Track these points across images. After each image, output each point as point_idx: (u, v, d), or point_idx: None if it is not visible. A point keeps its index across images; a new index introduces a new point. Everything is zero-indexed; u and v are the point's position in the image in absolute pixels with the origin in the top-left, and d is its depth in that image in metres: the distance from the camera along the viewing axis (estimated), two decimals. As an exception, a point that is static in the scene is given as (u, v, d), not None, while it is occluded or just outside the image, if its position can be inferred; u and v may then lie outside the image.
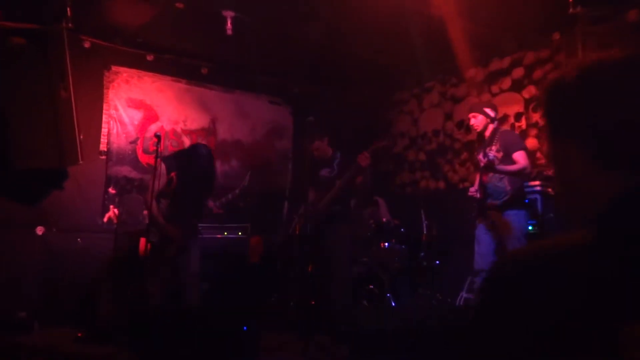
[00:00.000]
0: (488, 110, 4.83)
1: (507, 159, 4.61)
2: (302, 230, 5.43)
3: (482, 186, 4.71)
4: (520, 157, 4.59)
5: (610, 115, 0.82)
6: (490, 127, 4.84)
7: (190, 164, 4.86)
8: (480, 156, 4.63)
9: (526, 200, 5.00)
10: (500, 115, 6.38)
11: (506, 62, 6.49)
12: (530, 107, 6.16)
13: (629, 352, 0.64)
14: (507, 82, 6.47)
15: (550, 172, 5.65)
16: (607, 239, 0.73)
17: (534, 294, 0.72)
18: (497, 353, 0.72)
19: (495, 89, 6.61)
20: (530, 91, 6.20)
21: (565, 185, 0.91)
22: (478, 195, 4.76)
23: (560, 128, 0.90)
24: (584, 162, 0.85)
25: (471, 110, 4.98)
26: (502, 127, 5.09)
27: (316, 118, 5.01)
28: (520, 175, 4.63)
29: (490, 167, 4.53)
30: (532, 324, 0.70)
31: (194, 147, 5.17)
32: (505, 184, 4.62)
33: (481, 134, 4.86)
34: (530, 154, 6.08)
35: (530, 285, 0.73)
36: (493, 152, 4.64)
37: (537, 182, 5.43)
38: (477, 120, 4.82)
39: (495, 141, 4.71)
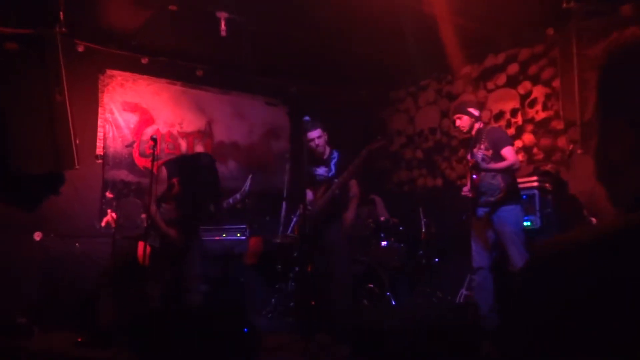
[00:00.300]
0: (472, 110, 4.83)
1: (497, 155, 4.62)
2: (301, 230, 5.41)
3: (474, 185, 4.72)
4: (508, 153, 4.61)
5: None
6: (476, 126, 4.83)
7: (192, 172, 4.87)
8: (468, 156, 4.66)
9: (524, 197, 5.01)
10: (495, 111, 6.41)
11: (501, 58, 6.50)
12: (526, 102, 6.17)
13: None
14: (502, 79, 6.48)
15: (547, 168, 5.66)
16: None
17: (578, 274, 0.70)
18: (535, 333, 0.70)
19: (490, 85, 6.62)
20: (525, 87, 6.21)
21: (607, 164, 0.88)
22: (470, 195, 4.77)
23: (612, 104, 0.86)
24: (632, 143, 0.82)
25: (455, 112, 4.95)
26: (488, 125, 5.08)
27: (313, 118, 4.99)
28: (509, 171, 4.64)
29: (477, 167, 4.57)
30: (573, 308, 0.68)
31: (197, 155, 5.18)
32: (499, 180, 4.63)
33: (468, 134, 4.86)
34: (527, 150, 6.10)
35: (578, 264, 0.71)
36: (482, 150, 4.65)
37: (534, 178, 5.44)
38: (462, 122, 4.82)
39: (483, 139, 4.72)
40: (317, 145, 5.12)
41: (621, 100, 0.83)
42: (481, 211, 4.72)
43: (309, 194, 5.19)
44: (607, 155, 0.86)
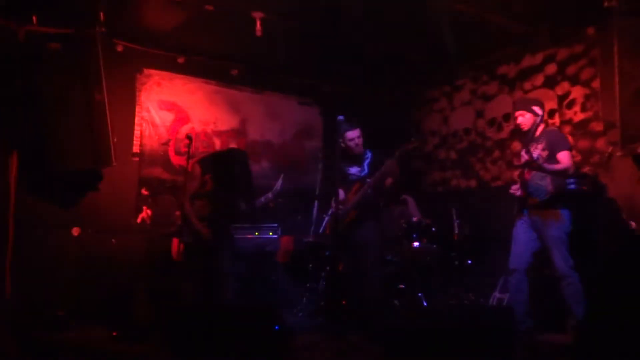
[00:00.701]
0: (536, 109, 4.72)
1: (552, 158, 4.52)
2: (333, 230, 5.41)
3: (524, 184, 4.62)
4: (564, 158, 4.49)
5: None
6: (540, 126, 4.72)
7: (225, 167, 4.90)
8: (523, 152, 4.53)
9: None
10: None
11: (539, 58, 6.38)
12: (564, 103, 6.05)
13: None
14: (539, 79, 6.36)
15: (585, 170, 5.53)
16: None
17: None
18: None
19: (527, 85, 6.51)
20: (563, 88, 6.08)
21: None
22: (519, 193, 4.68)
23: None
24: None
25: (517, 108, 4.80)
26: (548, 126, 4.96)
27: (347, 117, 4.98)
28: (563, 175, 4.53)
29: (532, 164, 4.44)
30: None
31: (230, 151, 5.22)
32: (547, 182, 4.51)
33: (528, 132, 4.72)
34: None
35: None
36: (539, 150, 4.55)
37: (571, 180, 5.31)
38: (525, 119, 4.68)
39: (541, 139, 4.61)
40: (357, 145, 5.13)
41: None
42: (527, 213, 4.64)
43: (341, 193, 5.19)
44: None
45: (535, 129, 4.69)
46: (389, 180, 5.03)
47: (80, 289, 5.54)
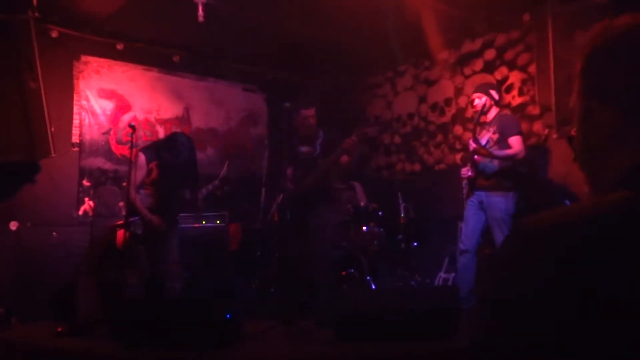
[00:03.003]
0: (493, 93, 4.91)
1: (503, 141, 4.70)
2: (281, 216, 5.43)
3: (474, 164, 4.79)
4: (515, 142, 4.69)
5: None
6: (495, 109, 4.92)
7: (170, 153, 4.82)
8: (471, 141, 4.70)
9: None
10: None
11: (478, 43, 6.54)
12: (503, 88, 6.23)
13: None
14: (479, 64, 6.53)
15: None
16: (631, 203, 0.73)
17: (558, 253, 0.71)
18: (516, 307, 0.71)
19: (467, 71, 6.67)
20: (502, 72, 6.27)
21: (587, 148, 0.90)
22: (470, 174, 4.84)
23: (595, 88, 0.87)
24: (613, 128, 0.84)
25: (476, 91, 5.03)
26: (502, 110, 5.14)
27: (292, 104, 4.99)
28: (512, 160, 4.71)
29: (479, 151, 4.62)
30: (557, 282, 0.69)
31: (174, 135, 5.10)
32: (494, 164, 4.72)
33: (482, 114, 4.90)
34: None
35: (554, 243, 0.72)
36: (490, 133, 4.72)
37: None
38: (481, 101, 4.88)
39: (493, 123, 4.79)
40: (311, 124, 5.16)
41: (605, 86, 0.85)
42: (476, 194, 4.80)
43: (289, 172, 5.24)
44: (588, 140, 0.89)
45: (488, 112, 4.88)
46: (345, 158, 5.07)
47: (21, 285, 5.37)
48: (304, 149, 5.22)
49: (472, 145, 4.68)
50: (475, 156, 4.83)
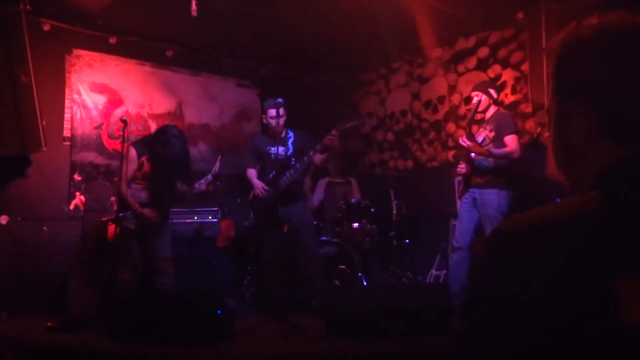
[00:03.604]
0: (492, 91, 4.92)
1: (499, 140, 4.71)
2: (255, 216, 5.49)
3: (470, 162, 4.81)
4: (511, 141, 4.71)
5: (625, 81, 0.81)
6: (493, 108, 4.93)
7: (161, 146, 4.78)
8: (462, 139, 4.72)
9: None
10: (466, 94, 6.48)
11: (471, 41, 6.56)
12: (496, 86, 6.25)
13: (630, 304, 0.66)
14: (472, 62, 6.54)
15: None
16: (608, 202, 0.74)
17: (535, 253, 0.72)
18: (498, 309, 0.73)
19: (461, 68, 6.68)
20: (495, 70, 6.28)
21: (564, 149, 0.90)
22: (465, 171, 4.86)
23: (567, 89, 0.88)
24: (587, 128, 0.85)
25: (475, 89, 5.04)
26: (499, 109, 5.15)
27: (285, 99, 4.97)
28: (507, 159, 4.73)
29: (473, 150, 4.63)
30: (533, 281, 0.71)
31: (164, 128, 5.05)
32: (489, 162, 4.74)
33: (475, 112, 4.91)
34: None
35: (532, 243, 0.74)
36: (486, 131, 4.73)
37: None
38: (477, 99, 4.90)
39: (490, 121, 4.81)
40: (277, 124, 5.10)
41: (577, 87, 0.86)
42: (470, 191, 4.82)
43: (253, 172, 5.24)
44: (564, 142, 0.90)
45: (487, 111, 4.90)
46: (318, 157, 5.07)
47: (12, 279, 5.33)
48: (274, 149, 5.13)
49: (466, 142, 4.68)
50: (472, 154, 4.86)
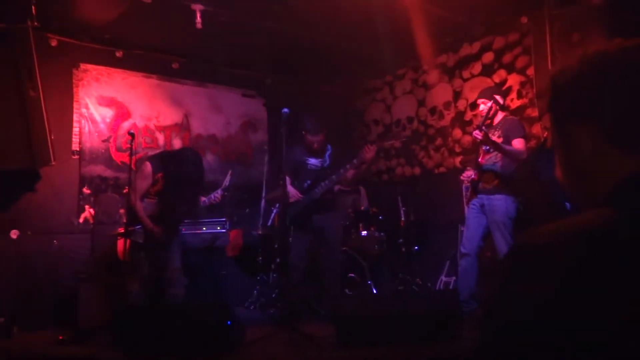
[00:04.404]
0: (498, 97, 4.92)
1: (507, 144, 4.71)
2: (282, 223, 5.49)
3: (479, 167, 4.81)
4: (518, 144, 4.71)
5: (622, 98, 0.83)
6: (500, 114, 4.93)
7: (177, 167, 4.84)
8: (476, 132, 4.68)
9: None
10: (472, 100, 6.48)
11: (476, 47, 6.56)
12: (501, 91, 6.24)
13: None
14: (477, 67, 6.54)
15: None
16: (621, 217, 0.75)
17: (553, 268, 0.73)
18: (517, 321, 0.73)
19: (466, 74, 6.69)
20: (500, 75, 6.28)
21: (572, 169, 0.91)
22: (474, 177, 4.85)
23: (569, 113, 0.90)
24: (594, 141, 0.86)
25: (481, 96, 5.04)
26: (507, 115, 5.15)
27: (291, 110, 5.01)
28: (513, 158, 4.72)
29: (486, 141, 4.61)
30: (551, 297, 0.71)
31: (183, 151, 5.15)
32: (497, 167, 4.73)
33: (487, 118, 4.91)
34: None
35: (550, 259, 0.74)
36: (495, 137, 4.73)
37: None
38: (486, 106, 4.88)
39: (498, 127, 4.81)
40: (318, 146, 5.35)
41: (581, 109, 0.88)
42: (478, 197, 4.81)
43: (288, 180, 5.30)
44: (570, 164, 0.91)
45: (495, 116, 4.89)
46: (351, 173, 5.21)
47: (22, 293, 5.36)
48: (312, 160, 5.39)
49: (478, 135, 4.65)
50: (479, 158, 4.85)
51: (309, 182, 5.29)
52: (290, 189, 5.31)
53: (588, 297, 0.69)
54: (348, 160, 5.16)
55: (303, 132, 5.40)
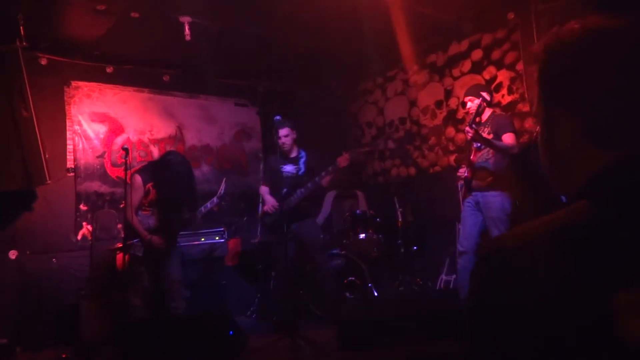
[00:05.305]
0: (485, 94, 4.94)
1: (497, 140, 4.73)
2: (265, 231, 5.56)
3: (471, 165, 4.82)
4: (509, 139, 4.72)
5: (609, 86, 0.82)
6: (489, 111, 4.95)
7: (166, 172, 4.83)
8: (467, 128, 4.70)
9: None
10: (463, 98, 6.49)
11: (464, 45, 6.59)
12: (492, 87, 6.26)
13: (623, 317, 0.66)
14: (467, 65, 6.57)
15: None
16: (596, 211, 0.75)
17: (529, 269, 0.73)
18: (496, 327, 0.74)
19: (456, 72, 6.71)
20: (490, 72, 6.30)
21: (552, 155, 0.91)
22: (467, 174, 4.87)
23: (553, 95, 0.89)
24: (573, 133, 0.85)
25: (468, 94, 5.05)
26: (496, 110, 5.18)
27: (284, 117, 5.03)
28: (505, 153, 4.74)
29: (477, 138, 4.63)
30: (528, 299, 0.71)
31: (167, 155, 5.12)
32: (490, 164, 4.75)
33: (477, 115, 4.93)
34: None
35: (526, 260, 0.74)
36: (485, 133, 4.75)
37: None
38: (474, 104, 4.91)
39: (488, 123, 4.84)
40: (284, 144, 5.23)
41: (562, 93, 0.87)
42: (473, 194, 4.83)
43: (266, 190, 5.33)
44: (552, 148, 0.90)
45: (482, 113, 4.91)
46: (327, 180, 5.16)
47: (24, 313, 5.36)
48: (287, 168, 5.35)
49: (470, 131, 4.67)
50: (471, 156, 4.87)
51: (285, 190, 5.27)
52: (269, 198, 5.33)
53: (557, 300, 0.69)
54: (323, 169, 5.15)
55: (275, 137, 5.33)
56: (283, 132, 5.25)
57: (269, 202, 5.30)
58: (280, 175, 5.31)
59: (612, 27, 0.84)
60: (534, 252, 0.74)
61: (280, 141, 5.24)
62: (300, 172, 5.31)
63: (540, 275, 0.72)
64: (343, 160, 5.02)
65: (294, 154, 5.38)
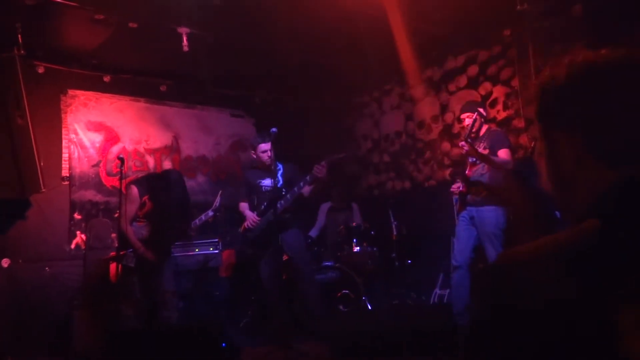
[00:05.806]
0: (481, 110, 4.97)
1: (493, 156, 4.76)
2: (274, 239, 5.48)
3: (466, 179, 4.84)
4: (504, 154, 4.75)
5: (602, 108, 0.86)
6: (485, 127, 4.98)
7: (162, 189, 4.85)
8: (462, 142, 4.72)
9: None
10: (458, 113, 6.53)
11: (461, 60, 6.64)
12: (487, 103, 6.31)
13: (629, 336, 0.67)
14: (463, 80, 6.61)
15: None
16: (606, 229, 0.76)
17: (540, 284, 0.74)
18: (503, 333, 0.74)
19: (452, 87, 6.75)
20: (485, 87, 6.35)
21: (557, 177, 0.94)
22: (462, 189, 4.88)
23: (553, 123, 0.93)
24: (576, 156, 0.88)
25: (464, 110, 5.08)
26: (492, 126, 5.22)
27: (279, 129, 5.02)
28: (501, 167, 4.76)
29: (472, 153, 4.65)
30: (537, 309, 0.72)
31: (166, 172, 5.17)
32: (485, 179, 4.77)
33: (474, 133, 4.95)
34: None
35: (538, 273, 0.75)
36: (481, 148, 4.78)
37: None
38: (471, 120, 4.93)
39: (484, 139, 4.86)
40: (269, 157, 5.18)
41: (561, 118, 0.90)
42: (467, 209, 4.84)
43: (246, 206, 5.29)
44: (556, 170, 0.92)
45: (480, 129, 4.95)
46: (307, 189, 5.12)
47: (16, 323, 5.31)
48: (265, 182, 5.30)
49: (465, 146, 4.68)
50: (467, 171, 4.89)
51: (265, 204, 5.23)
52: (249, 213, 5.29)
53: (565, 313, 0.70)
54: (301, 179, 5.09)
55: (252, 153, 5.33)
56: (264, 146, 5.20)
57: (250, 217, 5.25)
58: (259, 189, 5.30)
59: (596, 59, 0.89)
60: (546, 267, 0.75)
61: (265, 155, 5.19)
62: (279, 185, 5.25)
63: (551, 290, 0.72)
64: (319, 169, 4.91)
65: (272, 168, 5.31)
